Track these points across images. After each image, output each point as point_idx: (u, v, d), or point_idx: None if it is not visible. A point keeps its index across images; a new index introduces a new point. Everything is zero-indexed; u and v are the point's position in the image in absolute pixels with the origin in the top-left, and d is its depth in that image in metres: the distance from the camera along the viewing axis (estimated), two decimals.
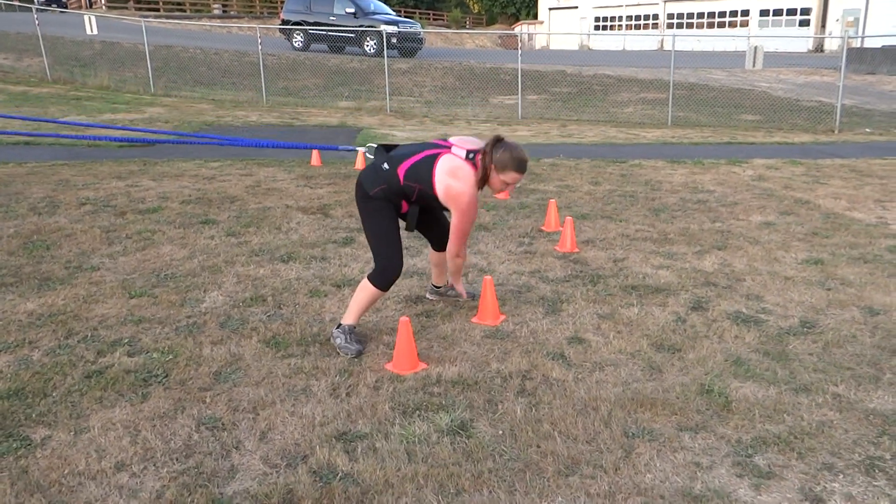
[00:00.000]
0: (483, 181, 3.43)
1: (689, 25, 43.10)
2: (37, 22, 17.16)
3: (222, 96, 16.28)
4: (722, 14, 41.59)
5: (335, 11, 22.75)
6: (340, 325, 3.59)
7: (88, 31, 17.84)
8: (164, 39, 21.98)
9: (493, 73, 19.59)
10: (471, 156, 3.41)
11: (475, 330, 3.83)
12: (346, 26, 21.97)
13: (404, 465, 2.59)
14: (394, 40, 20.78)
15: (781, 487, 2.50)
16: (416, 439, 2.76)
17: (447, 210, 3.52)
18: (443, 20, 59.05)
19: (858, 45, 24.78)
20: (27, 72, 17.81)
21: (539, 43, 46.49)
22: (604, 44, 44.75)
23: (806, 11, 37.67)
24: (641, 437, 2.80)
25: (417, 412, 2.97)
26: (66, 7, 35.88)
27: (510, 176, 3.39)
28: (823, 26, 36.34)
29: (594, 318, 4.01)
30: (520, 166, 3.39)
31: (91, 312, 3.94)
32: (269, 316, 3.97)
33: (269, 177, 7.78)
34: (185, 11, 41.66)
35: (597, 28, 48.94)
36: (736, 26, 40.34)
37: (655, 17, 45.39)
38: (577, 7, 50.50)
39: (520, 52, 16.12)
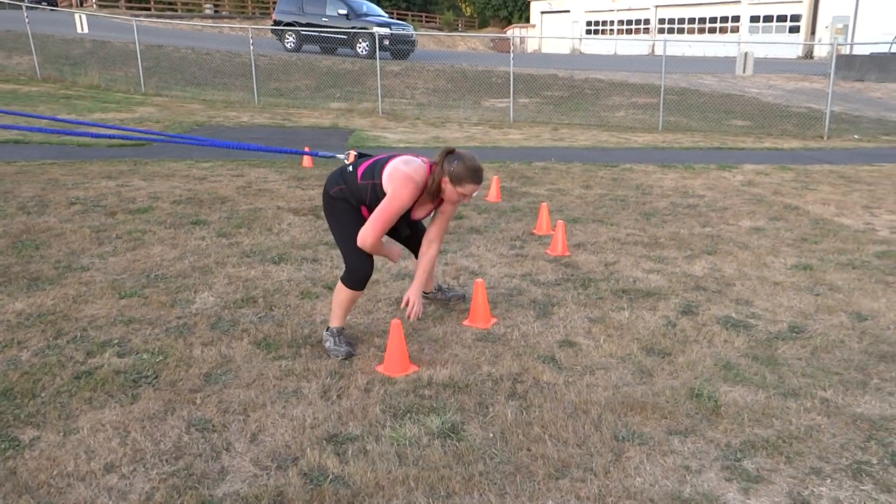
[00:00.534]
0: (434, 192, 3.37)
1: (681, 31, 43.32)
2: (27, 20, 17.04)
3: (213, 97, 16.22)
4: (713, 20, 41.82)
5: (327, 13, 22.71)
6: (329, 328, 3.60)
7: (79, 30, 17.74)
8: (156, 39, 21.88)
9: (486, 75, 19.61)
10: (430, 163, 3.41)
11: (466, 333, 3.84)
12: (339, 28, 21.94)
13: (395, 468, 2.59)
14: (386, 42, 20.77)
15: (770, 491, 2.52)
16: (407, 442, 2.76)
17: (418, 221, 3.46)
18: (435, 22, 59.12)
19: (847, 52, 24.99)
20: (16, 70, 17.68)
21: (531, 46, 46.59)
22: (595, 48, 44.92)
23: (796, 18, 37.94)
24: (631, 440, 2.81)
25: (408, 415, 2.97)
26: (57, 5, 35.68)
27: (467, 188, 3.31)
28: (813, 33, 36.61)
29: (585, 322, 4.03)
30: (475, 177, 3.30)
31: (80, 313, 3.92)
32: (259, 317, 3.96)
33: (260, 178, 7.76)
34: (176, 11, 41.52)
35: (588, 32, 49.08)
36: (727, 32, 40.56)
37: (647, 21, 45.58)
38: (569, 11, 50.65)
39: (512, 55, 16.15)
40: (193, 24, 30.42)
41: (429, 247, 3.62)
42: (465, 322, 3.96)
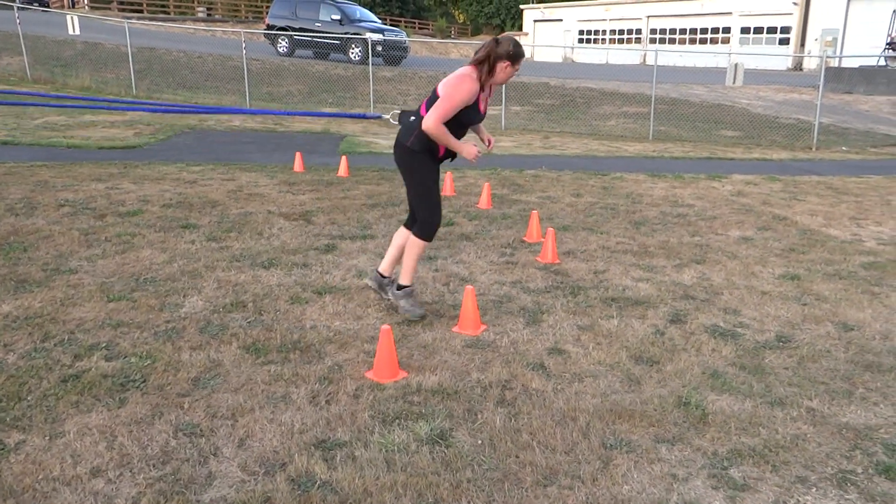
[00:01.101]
0: (489, 73, 3.71)
1: (672, 41, 43.64)
2: (18, 20, 16.97)
3: (205, 100, 16.18)
4: (704, 31, 42.15)
5: (321, 18, 22.73)
6: (400, 286, 3.99)
7: (71, 31, 17.67)
8: (148, 41, 21.83)
9: None
10: (471, 64, 3.76)
11: (456, 339, 3.84)
12: (332, 33, 21.97)
13: (383, 474, 2.59)
14: (379, 48, 20.81)
15: (756, 500, 2.53)
16: (396, 448, 2.76)
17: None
18: (428, 29, 59.23)
19: (836, 65, 25.23)
20: (6, 70, 17.58)
21: None
22: (587, 57, 45.11)
23: (786, 30, 38.29)
24: (619, 448, 2.82)
25: (397, 421, 2.97)
26: (49, 6, 35.51)
27: (519, 62, 3.74)
28: (803, 45, 36.96)
29: (574, 330, 4.04)
30: (522, 49, 3.74)
31: (68, 316, 3.90)
32: (249, 322, 3.95)
33: (251, 182, 7.75)
34: (168, 14, 41.42)
35: (581, 41, 49.33)
36: (717, 43, 40.89)
37: (638, 31, 45.88)
38: (561, 20, 50.92)
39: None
40: (186, 27, 30.33)
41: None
42: (455, 328, 3.97)
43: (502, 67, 3.71)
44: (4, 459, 2.58)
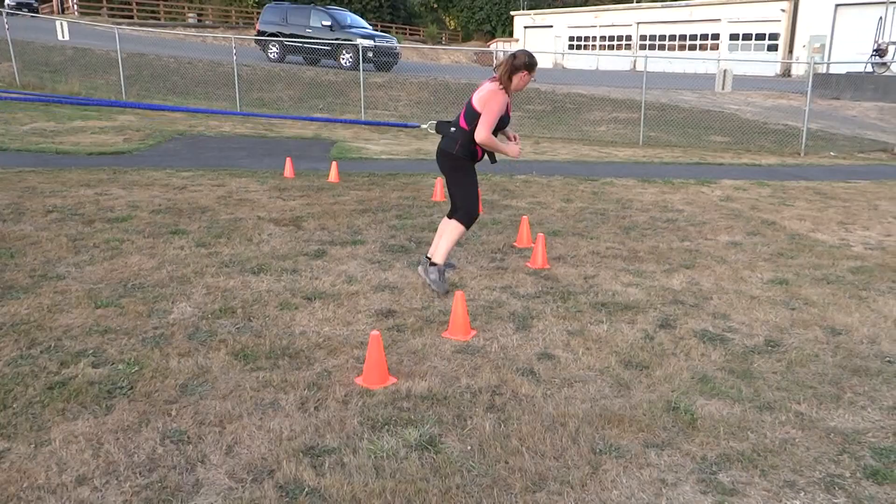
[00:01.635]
0: (508, 83, 4.34)
1: (661, 47, 43.87)
2: (6, 26, 16.89)
3: (195, 106, 16.13)
4: (693, 37, 42.41)
5: (311, 24, 22.75)
6: (433, 263, 4.55)
7: (60, 37, 17.60)
8: (138, 47, 21.77)
9: (468, 88, 19.69)
10: (491, 78, 4.42)
11: (445, 345, 3.84)
12: (323, 39, 21.98)
13: (372, 481, 2.58)
14: (370, 54, 20.82)
15: None
16: (385, 454, 2.75)
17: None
18: (419, 35, 59.35)
19: (824, 71, 25.41)
20: None
21: None
22: (578, 63, 45.33)
23: (774, 37, 38.58)
24: (608, 453, 2.82)
25: (386, 427, 2.96)
26: (38, 12, 35.35)
27: (535, 70, 4.38)
28: (791, 52, 37.23)
29: (564, 335, 4.04)
30: (534, 62, 4.40)
31: (55, 322, 3.87)
32: (238, 328, 3.93)
33: (241, 187, 7.73)
34: (159, 20, 41.32)
35: (571, 47, 49.53)
36: (706, 49, 41.14)
37: (628, 38, 46.11)
38: (552, 26, 51.13)
39: (495, 68, 16.24)
40: (176, 32, 30.30)
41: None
42: (445, 334, 3.96)
43: (521, 76, 4.36)
44: None
